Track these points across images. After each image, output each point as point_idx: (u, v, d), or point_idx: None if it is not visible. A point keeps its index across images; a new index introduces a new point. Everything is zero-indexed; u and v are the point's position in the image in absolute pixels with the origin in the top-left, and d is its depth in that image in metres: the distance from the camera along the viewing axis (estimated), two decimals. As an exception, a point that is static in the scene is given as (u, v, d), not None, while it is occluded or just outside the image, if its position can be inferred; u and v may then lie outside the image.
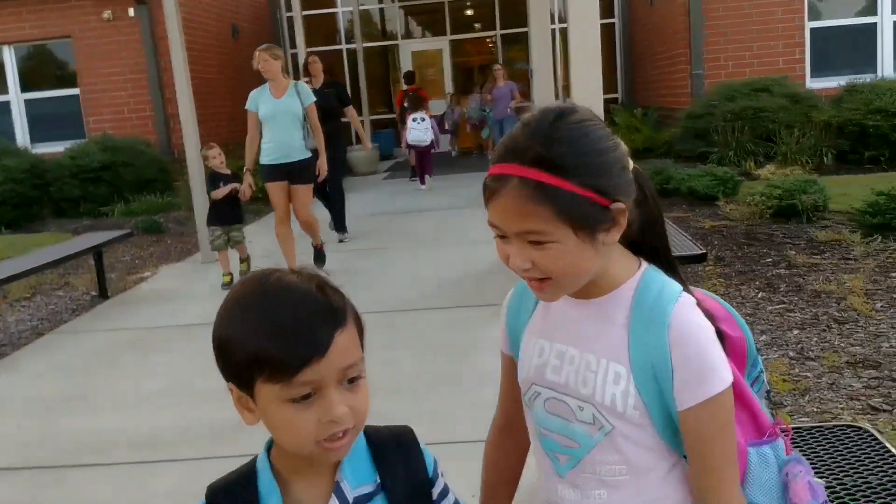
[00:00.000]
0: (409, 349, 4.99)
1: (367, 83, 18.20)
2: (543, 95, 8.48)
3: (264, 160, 6.90)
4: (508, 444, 1.54)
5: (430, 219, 9.94)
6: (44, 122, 14.22)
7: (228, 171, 7.32)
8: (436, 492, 1.27)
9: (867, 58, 12.67)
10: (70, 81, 14.15)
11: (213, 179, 7.23)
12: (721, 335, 1.28)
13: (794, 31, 12.54)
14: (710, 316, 1.29)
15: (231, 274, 7.10)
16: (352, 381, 1.12)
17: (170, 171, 13.14)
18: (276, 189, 6.92)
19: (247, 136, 7.07)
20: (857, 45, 12.76)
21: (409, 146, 13.00)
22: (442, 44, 19.81)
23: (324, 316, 1.10)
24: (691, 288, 1.33)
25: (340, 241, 8.77)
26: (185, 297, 6.97)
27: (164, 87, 13.53)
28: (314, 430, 1.10)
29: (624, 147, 1.27)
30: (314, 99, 7.04)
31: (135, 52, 13.61)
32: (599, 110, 3.74)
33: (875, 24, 12.57)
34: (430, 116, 13.25)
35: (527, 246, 1.22)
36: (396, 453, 1.25)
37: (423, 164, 13.01)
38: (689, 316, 1.24)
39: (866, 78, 11.71)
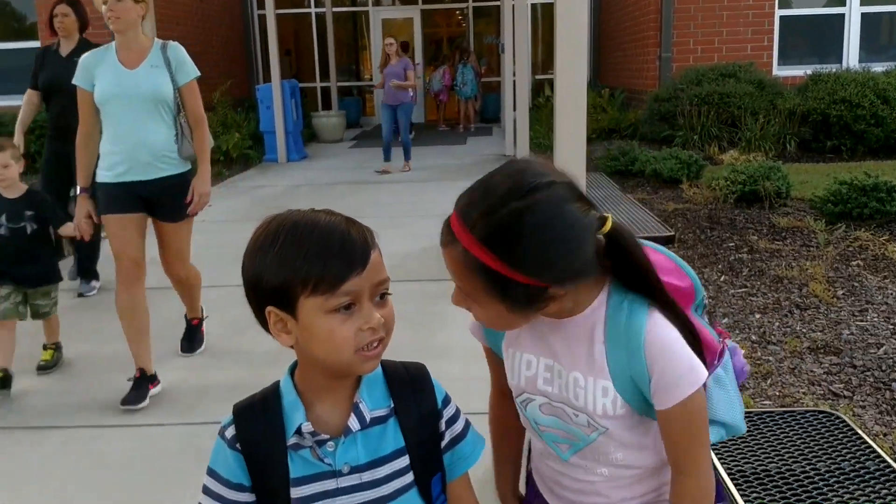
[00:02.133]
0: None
1: (336, 49, 17.98)
2: (520, 73, 8.45)
3: (103, 175, 4.03)
4: (511, 406, 1.60)
5: (393, 191, 9.87)
6: (1, 74, 13.83)
7: (23, 190, 4.28)
8: (443, 422, 1.39)
9: (833, 48, 12.81)
10: (29, 34, 13.75)
11: None
12: (686, 324, 1.37)
13: (764, 18, 12.62)
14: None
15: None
16: (382, 296, 1.27)
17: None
18: (122, 226, 4.02)
19: (78, 132, 4.10)
20: (825, 35, 12.89)
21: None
22: (413, 13, 19.62)
23: (360, 237, 1.24)
24: (640, 242, 1.38)
25: (81, 294, 5.92)
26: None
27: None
28: (354, 338, 1.22)
29: (590, 220, 1.27)
30: (196, 73, 4.12)
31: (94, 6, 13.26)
32: (583, 94, 3.71)
33: (843, 14, 12.69)
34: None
35: (464, 292, 1.35)
36: (409, 385, 1.38)
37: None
38: (660, 333, 1.33)
39: (832, 68, 11.83)
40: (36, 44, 13.47)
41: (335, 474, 1.30)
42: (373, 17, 19.56)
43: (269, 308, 1.27)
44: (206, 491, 1.33)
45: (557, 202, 1.24)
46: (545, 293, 1.28)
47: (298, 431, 1.28)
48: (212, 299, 5.59)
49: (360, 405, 1.31)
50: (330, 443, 1.29)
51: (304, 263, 1.20)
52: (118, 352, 4.62)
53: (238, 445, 1.31)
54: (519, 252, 1.23)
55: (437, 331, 4.63)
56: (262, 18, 16.61)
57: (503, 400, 1.63)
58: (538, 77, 17.78)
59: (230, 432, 1.32)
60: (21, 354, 4.63)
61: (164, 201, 4.12)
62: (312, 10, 19.28)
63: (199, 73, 4.14)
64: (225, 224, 8.02)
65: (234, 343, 4.68)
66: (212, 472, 1.33)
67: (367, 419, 1.31)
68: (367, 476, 1.30)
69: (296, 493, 1.29)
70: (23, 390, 4.12)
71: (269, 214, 1.32)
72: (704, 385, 1.36)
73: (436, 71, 17.75)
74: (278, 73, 12.72)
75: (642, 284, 1.35)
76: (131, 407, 3.82)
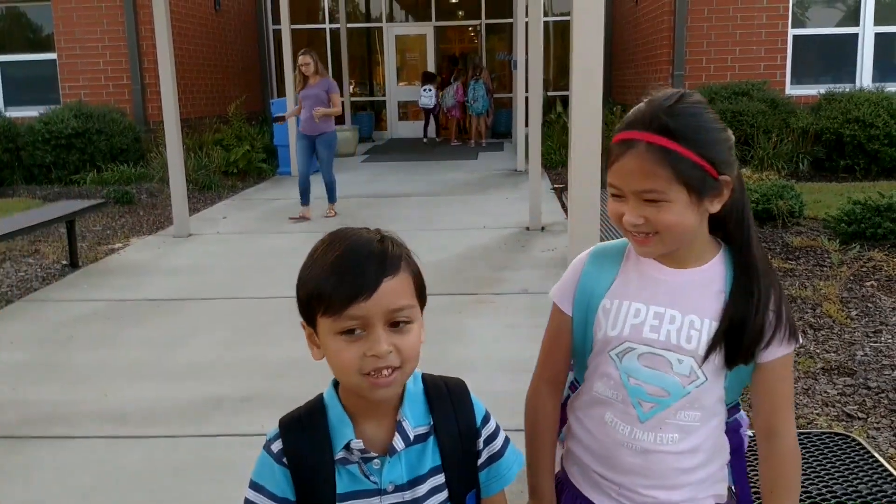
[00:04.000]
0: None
1: (349, 64, 18.06)
2: (533, 89, 8.46)
3: None
4: (556, 396, 1.67)
5: (406, 205, 9.89)
6: (19, 85, 13.94)
7: None
8: (482, 441, 1.40)
9: (847, 67, 12.78)
10: (47, 46, 13.88)
11: None
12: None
13: (777, 37, 12.60)
14: None
15: None
16: (400, 324, 1.25)
17: (143, 141, 12.95)
18: None
19: None
20: (838, 55, 12.86)
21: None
22: (426, 29, 19.70)
23: (376, 261, 1.24)
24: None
25: None
26: (156, 270, 6.87)
27: (142, 56, 13.31)
28: (358, 363, 1.23)
29: (731, 134, 1.47)
30: None
31: (114, 19, 13.36)
32: (598, 112, 3.72)
33: (857, 34, 12.66)
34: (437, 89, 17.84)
35: (642, 204, 1.41)
36: (449, 401, 1.39)
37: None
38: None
39: (845, 87, 11.80)
40: (52, 56, 13.61)
41: (380, 492, 1.30)
42: (386, 32, 19.64)
43: (301, 321, 1.31)
44: None
45: (704, 101, 1.47)
46: (715, 183, 1.41)
47: (347, 447, 1.29)
48: (225, 310, 5.62)
49: (404, 423, 1.32)
50: (376, 461, 1.30)
51: (318, 282, 1.24)
52: (129, 361, 4.64)
53: (285, 459, 1.31)
54: (691, 134, 1.39)
55: (452, 344, 4.62)
56: (277, 33, 16.70)
57: (549, 389, 1.67)
58: (550, 94, 17.80)
59: (277, 446, 1.32)
60: (36, 361, 4.66)
61: None
62: (327, 25, 19.38)
63: None
64: (238, 236, 8.05)
65: (247, 354, 4.68)
66: (256, 486, 1.33)
67: (411, 437, 1.32)
68: (409, 494, 1.32)
69: None
70: (32, 399, 4.14)
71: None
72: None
73: (449, 87, 17.80)
74: (292, 88, 12.78)
75: (736, 219, 1.50)
76: None
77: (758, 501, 1.57)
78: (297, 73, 9.38)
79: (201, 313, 5.57)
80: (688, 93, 1.46)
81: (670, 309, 1.50)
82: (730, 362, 1.48)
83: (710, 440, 1.54)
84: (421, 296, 1.32)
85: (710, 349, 1.46)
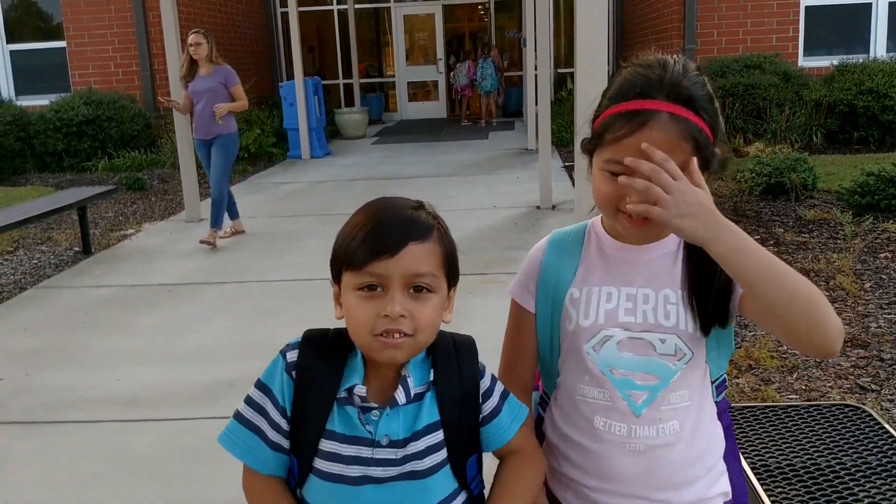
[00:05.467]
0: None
1: (358, 46, 18.00)
2: (542, 66, 8.41)
3: None
4: (514, 387, 1.50)
5: (416, 186, 9.87)
6: (29, 74, 13.97)
7: None
8: (481, 394, 1.38)
9: (860, 38, 12.62)
10: (56, 34, 13.89)
11: None
12: None
13: (789, 8, 12.46)
14: None
15: None
16: (422, 289, 1.26)
17: (154, 127, 12.97)
18: None
19: None
20: (851, 25, 12.71)
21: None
22: (435, 8, 19.58)
23: (405, 225, 1.26)
24: None
25: None
26: (168, 255, 6.89)
27: (151, 43, 13.30)
28: (370, 321, 1.24)
29: None
30: None
31: (122, 5, 13.35)
32: (603, 86, 3.67)
33: (870, 4, 12.50)
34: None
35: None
36: (455, 361, 1.37)
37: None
38: None
39: (858, 58, 11.66)
40: (62, 44, 13.63)
41: (373, 443, 1.29)
42: (395, 12, 19.54)
43: (332, 282, 1.34)
44: (249, 402, 1.35)
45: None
46: (715, 156, 1.32)
47: (349, 390, 1.29)
48: (237, 294, 5.63)
49: (409, 379, 1.31)
50: (375, 411, 1.30)
51: (347, 238, 1.27)
52: (142, 346, 4.66)
53: (294, 373, 1.33)
54: (706, 105, 1.31)
55: (460, 324, 4.59)
56: (285, 16, 16.63)
57: (518, 363, 1.57)
58: (561, 71, 17.68)
59: (292, 356, 1.35)
60: (50, 347, 4.69)
61: None
62: (335, 6, 19.29)
63: None
64: (249, 220, 8.06)
65: (258, 337, 4.70)
66: (262, 386, 1.35)
67: (412, 394, 1.31)
68: (402, 452, 1.30)
69: (327, 446, 1.30)
70: (45, 384, 4.17)
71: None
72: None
73: (460, 65, 17.69)
74: (301, 71, 12.75)
75: None
76: None
77: None
78: (184, 58, 7.25)
79: (213, 297, 5.58)
80: (685, 60, 1.36)
81: (642, 288, 1.41)
82: (706, 327, 1.37)
83: (706, 422, 1.44)
84: (451, 272, 1.33)
85: (693, 318, 1.37)
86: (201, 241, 6.90)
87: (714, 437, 1.47)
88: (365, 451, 1.29)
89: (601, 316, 1.41)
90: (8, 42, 13.97)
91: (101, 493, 3.14)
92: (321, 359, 1.33)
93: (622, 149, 1.27)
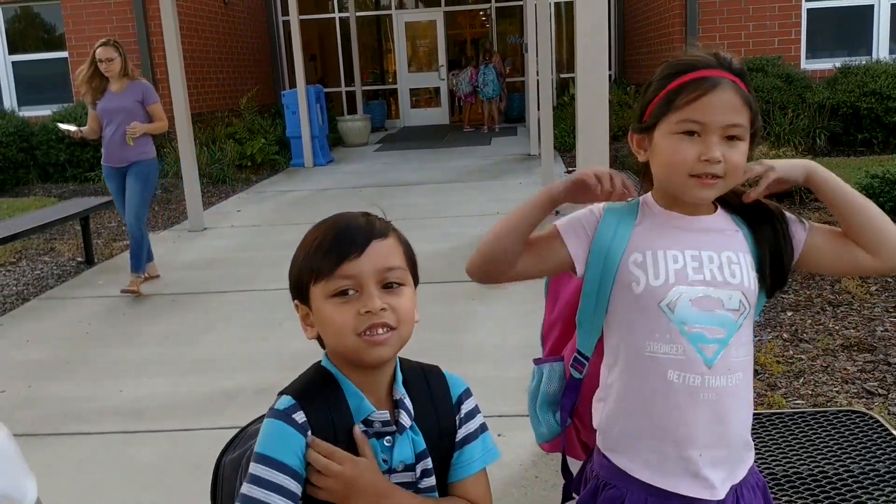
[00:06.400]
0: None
1: (360, 53, 18.00)
2: (543, 72, 8.40)
3: None
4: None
5: (419, 193, 9.86)
6: (31, 85, 13.99)
7: None
8: (458, 419, 1.37)
9: (863, 40, 12.59)
10: (58, 44, 13.92)
11: None
12: None
13: (791, 11, 12.43)
14: None
15: None
16: (393, 285, 1.26)
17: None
18: None
19: None
20: (853, 27, 12.68)
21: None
22: (436, 15, 19.59)
23: (364, 226, 1.28)
24: None
25: None
26: (171, 265, 6.88)
27: (152, 52, 13.31)
28: (353, 322, 1.23)
29: None
30: None
31: (124, 15, 13.37)
32: (605, 89, 3.66)
33: (872, 6, 12.47)
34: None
35: (723, 141, 1.43)
36: (428, 395, 1.35)
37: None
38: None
39: (861, 60, 11.64)
40: (64, 54, 13.65)
41: (389, 471, 1.27)
42: (396, 20, 19.55)
43: (295, 301, 1.33)
44: (258, 481, 1.22)
45: None
46: (759, 128, 1.50)
47: (366, 422, 1.26)
48: (240, 304, 5.62)
49: (405, 400, 1.30)
50: (388, 437, 1.27)
51: (311, 253, 1.27)
52: (145, 356, 4.65)
53: (310, 432, 1.26)
54: (750, 86, 1.47)
55: (463, 332, 4.60)
56: (287, 24, 16.63)
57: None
58: (563, 76, 17.68)
59: (300, 417, 1.26)
60: (53, 358, 4.68)
61: None
62: (336, 14, 19.31)
63: None
64: (253, 229, 8.05)
65: (261, 347, 4.68)
66: (268, 461, 1.22)
67: (413, 414, 1.30)
68: (411, 476, 1.29)
69: None
70: (48, 396, 4.15)
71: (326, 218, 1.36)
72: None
73: (462, 72, 17.69)
74: (303, 79, 12.75)
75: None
76: None
77: None
78: (84, 72, 6.10)
79: (216, 307, 5.57)
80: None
81: (705, 251, 1.51)
82: (774, 287, 1.53)
83: (751, 379, 1.56)
84: (413, 269, 1.34)
85: (762, 276, 1.51)
86: (122, 291, 5.89)
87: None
88: None
89: (671, 276, 1.49)
90: (10, 53, 14.01)
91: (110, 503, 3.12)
92: (328, 405, 1.27)
93: (698, 108, 1.42)
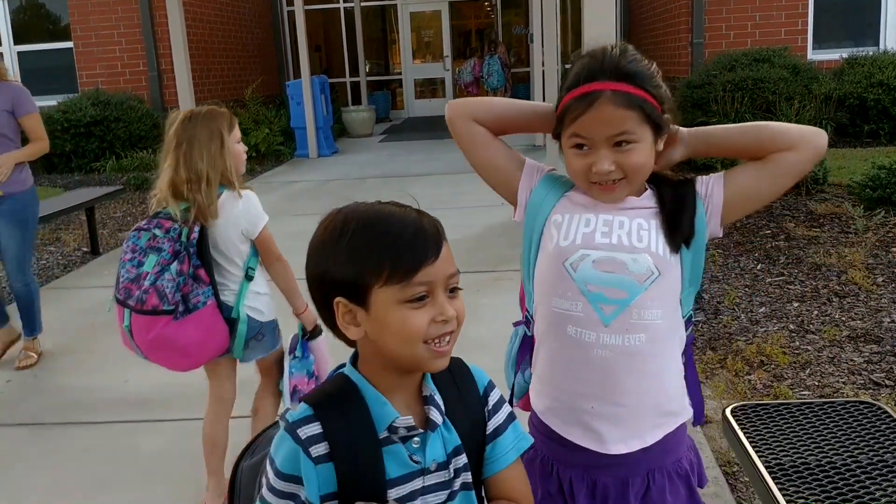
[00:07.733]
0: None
1: (365, 43, 17.97)
2: (549, 62, 8.37)
3: None
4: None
5: (424, 184, 9.85)
6: (36, 75, 13.99)
7: None
8: (487, 411, 1.36)
9: (870, 31, 12.53)
10: (63, 35, 13.91)
11: None
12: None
13: (797, 1, 12.37)
14: None
15: None
16: (454, 290, 1.25)
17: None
18: None
19: None
20: (860, 18, 12.62)
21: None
22: (441, 5, 19.55)
23: (431, 227, 1.23)
24: None
25: None
26: (177, 255, 6.87)
27: (157, 43, 13.31)
28: (426, 329, 1.20)
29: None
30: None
31: (129, 5, 13.36)
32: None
33: (879, -4, 12.42)
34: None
35: (613, 150, 1.51)
36: (454, 384, 1.35)
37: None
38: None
39: (868, 51, 11.59)
40: (69, 45, 13.65)
41: (423, 472, 1.25)
42: (401, 10, 19.51)
43: (337, 299, 1.22)
44: (272, 490, 1.21)
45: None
46: (664, 121, 1.54)
47: (390, 427, 1.22)
48: (244, 295, 5.61)
49: (435, 397, 1.28)
50: (416, 438, 1.24)
51: (377, 253, 1.18)
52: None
53: (321, 446, 1.20)
54: (646, 78, 1.52)
55: (470, 323, 4.58)
56: (292, 15, 16.61)
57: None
58: (568, 66, 17.64)
59: (310, 430, 1.21)
60: (58, 348, 4.68)
61: None
62: (341, 5, 19.27)
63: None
64: (257, 220, 8.04)
65: (267, 338, 4.67)
66: (282, 475, 1.21)
67: (443, 410, 1.28)
68: (446, 474, 1.26)
69: (392, 494, 1.22)
70: (54, 386, 4.16)
71: (333, 208, 1.28)
72: None
73: (465, 63, 17.66)
74: (308, 69, 12.74)
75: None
76: None
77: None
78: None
79: (221, 297, 5.56)
80: (622, 44, 1.59)
81: (618, 216, 1.59)
82: (675, 242, 1.57)
83: (674, 347, 1.63)
84: None
85: (668, 232, 1.57)
86: (18, 368, 4.48)
87: (678, 364, 1.66)
88: (417, 483, 1.25)
89: (579, 237, 1.59)
90: (15, 43, 14.01)
91: (109, 494, 3.13)
92: (346, 414, 1.23)
93: (582, 125, 1.52)
